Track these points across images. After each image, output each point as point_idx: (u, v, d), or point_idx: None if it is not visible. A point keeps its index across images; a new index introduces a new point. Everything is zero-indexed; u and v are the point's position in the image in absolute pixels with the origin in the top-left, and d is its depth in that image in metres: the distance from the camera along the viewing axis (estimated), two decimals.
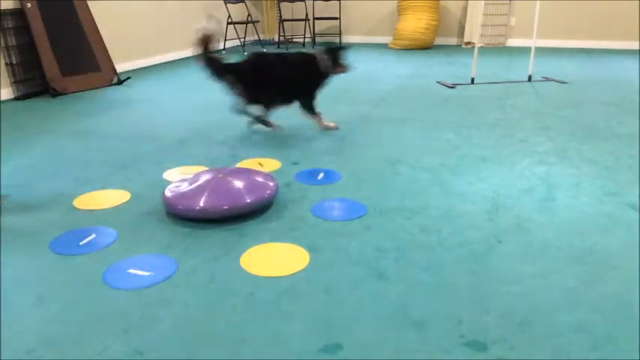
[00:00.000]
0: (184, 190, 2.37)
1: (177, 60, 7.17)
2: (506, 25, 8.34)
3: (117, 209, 2.44)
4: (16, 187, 2.71)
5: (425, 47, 8.09)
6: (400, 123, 3.86)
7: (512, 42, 8.40)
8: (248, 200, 2.29)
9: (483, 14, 7.38)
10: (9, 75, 4.79)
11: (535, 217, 2.29)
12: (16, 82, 4.82)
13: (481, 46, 5.38)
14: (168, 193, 2.37)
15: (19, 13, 4.81)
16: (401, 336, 1.53)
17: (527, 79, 5.45)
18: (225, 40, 7.97)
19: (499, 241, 2.08)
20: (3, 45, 4.71)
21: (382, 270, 1.88)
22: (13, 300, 1.74)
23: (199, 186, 2.37)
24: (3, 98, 4.75)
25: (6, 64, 4.75)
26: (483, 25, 8.02)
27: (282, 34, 8.38)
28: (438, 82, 5.39)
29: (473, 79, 5.30)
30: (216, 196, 2.30)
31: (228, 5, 7.60)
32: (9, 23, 4.75)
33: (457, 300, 1.70)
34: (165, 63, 6.91)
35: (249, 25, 8.10)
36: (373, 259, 1.95)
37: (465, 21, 8.40)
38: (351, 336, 1.53)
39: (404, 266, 1.90)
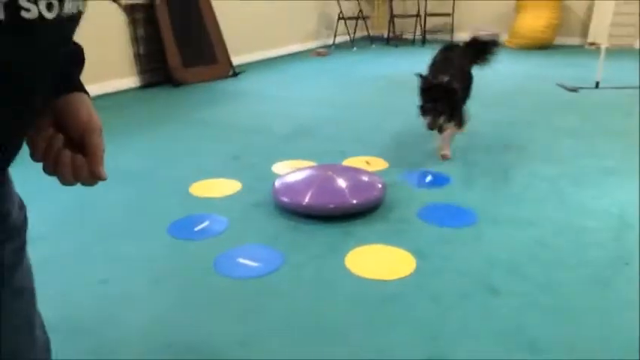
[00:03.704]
0: (293, 184, 2.42)
1: (291, 54, 7.33)
2: (635, 25, 7.64)
3: (229, 198, 2.54)
4: (139, 170, 2.91)
5: (543, 47, 7.63)
6: (515, 126, 3.67)
7: None
8: (354, 201, 2.27)
9: (613, 13, 6.81)
10: (136, 64, 5.15)
11: None
12: (141, 72, 5.18)
13: (606, 48, 4.95)
14: (277, 186, 2.42)
15: (149, 6, 5.15)
16: (512, 357, 1.44)
17: None
18: (335, 35, 8.03)
19: (626, 264, 1.90)
20: (133, 36, 5.08)
21: (493, 284, 1.79)
22: (133, 279, 1.87)
23: (308, 182, 2.40)
24: (130, 86, 5.12)
25: (134, 54, 5.12)
26: (611, 25, 7.41)
27: (392, 30, 8.29)
28: (557, 85, 5.06)
29: (597, 83, 4.91)
30: (323, 194, 2.31)
31: (341, 1, 7.63)
32: (139, 15, 5.11)
33: (577, 324, 1.57)
34: (279, 57, 7.09)
35: (359, 21, 8.09)
36: (483, 271, 1.87)
37: (589, 20, 7.81)
38: (458, 350, 1.47)
39: (517, 282, 1.80)
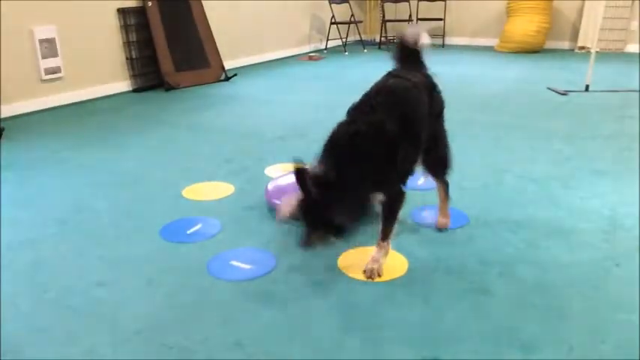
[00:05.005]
0: (286, 187, 2.41)
1: (283, 58, 7.33)
2: (625, 30, 7.72)
3: (222, 201, 2.53)
4: (131, 174, 2.90)
5: (534, 51, 7.69)
6: (506, 130, 3.69)
7: (632, 48, 7.76)
8: None
9: (603, 17, 6.86)
10: (128, 69, 5.14)
11: None
12: (134, 76, 5.17)
13: (596, 52, 4.99)
14: (270, 188, 2.42)
15: (140, 11, 5.14)
16: (505, 357, 1.45)
17: None
18: (328, 39, 8.05)
19: (616, 265, 1.92)
20: (125, 40, 5.07)
21: (486, 285, 1.79)
22: (128, 282, 1.86)
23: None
24: (122, 90, 5.11)
25: (126, 58, 5.10)
26: (601, 29, 7.47)
27: (384, 34, 8.32)
28: (548, 88, 5.10)
29: (587, 87, 4.95)
30: None
31: (333, 5, 7.66)
32: (131, 20, 5.10)
33: (568, 325, 1.58)
34: (271, 61, 7.09)
35: (352, 25, 8.11)
36: (476, 272, 1.87)
37: (579, 24, 7.88)
38: (452, 351, 1.47)
39: (509, 283, 1.80)
